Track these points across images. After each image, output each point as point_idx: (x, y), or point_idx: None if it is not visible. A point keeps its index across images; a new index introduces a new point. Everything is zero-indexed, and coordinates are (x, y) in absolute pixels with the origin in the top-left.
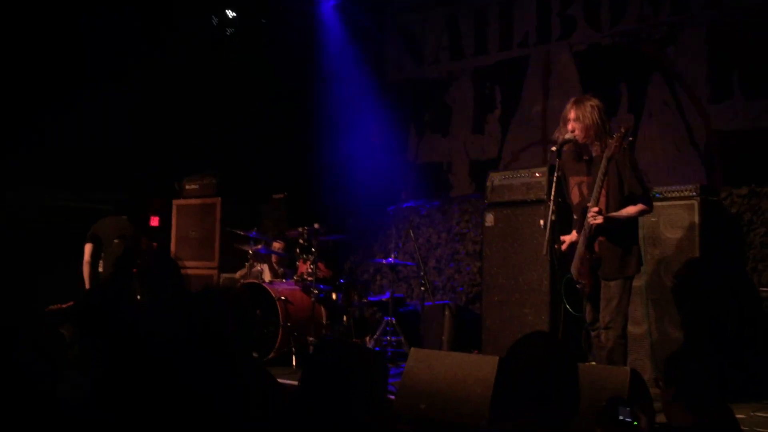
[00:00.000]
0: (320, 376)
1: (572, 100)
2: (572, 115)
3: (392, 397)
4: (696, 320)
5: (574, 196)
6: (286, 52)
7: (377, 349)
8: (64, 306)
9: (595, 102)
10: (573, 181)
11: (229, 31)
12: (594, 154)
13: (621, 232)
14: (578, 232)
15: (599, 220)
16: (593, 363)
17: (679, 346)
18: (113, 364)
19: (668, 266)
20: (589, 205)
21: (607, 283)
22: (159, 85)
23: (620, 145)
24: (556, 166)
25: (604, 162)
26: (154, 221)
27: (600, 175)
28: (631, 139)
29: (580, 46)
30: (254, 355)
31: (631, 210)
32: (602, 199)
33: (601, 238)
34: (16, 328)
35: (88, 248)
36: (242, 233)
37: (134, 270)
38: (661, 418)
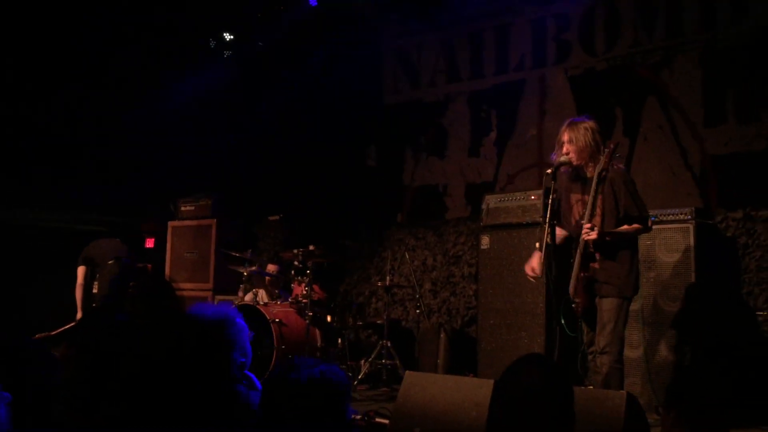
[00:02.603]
0: None
1: (567, 122)
2: (566, 137)
3: (386, 421)
4: (693, 344)
5: (575, 214)
6: (281, 73)
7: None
8: (52, 333)
9: (589, 124)
10: (573, 198)
11: (226, 53)
12: (589, 175)
13: (617, 251)
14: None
15: (593, 235)
16: (590, 387)
17: (677, 370)
18: (102, 381)
19: (664, 289)
20: (582, 222)
21: (601, 305)
22: (154, 105)
23: (608, 161)
24: (552, 189)
25: (595, 179)
26: (149, 243)
27: (592, 192)
28: (618, 155)
29: (575, 70)
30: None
31: (627, 228)
32: (597, 219)
33: (597, 257)
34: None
35: (81, 271)
36: (237, 255)
37: (129, 291)
38: None
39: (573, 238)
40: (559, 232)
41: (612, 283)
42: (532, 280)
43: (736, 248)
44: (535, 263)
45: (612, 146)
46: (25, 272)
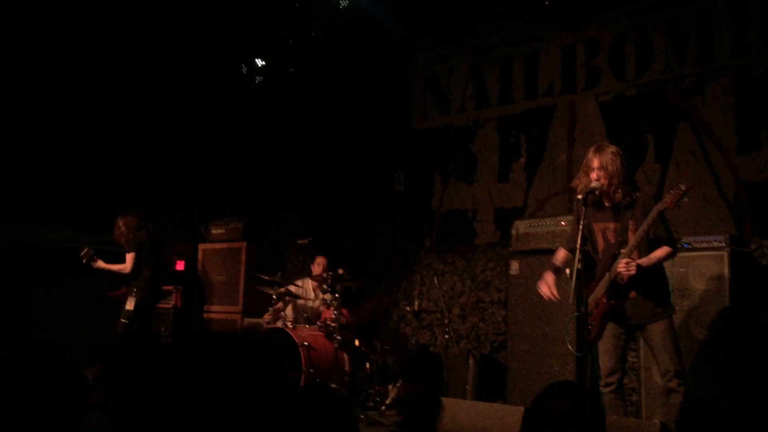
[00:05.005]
0: None
1: (593, 148)
2: (596, 163)
3: None
4: (727, 373)
5: (600, 243)
6: (314, 98)
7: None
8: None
9: (615, 148)
10: (597, 227)
11: (258, 79)
12: (617, 201)
13: (653, 278)
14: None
15: (632, 270)
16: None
17: (708, 400)
18: (138, 404)
19: (698, 318)
20: (623, 251)
21: (650, 333)
22: (184, 128)
23: (677, 202)
24: (582, 215)
25: (653, 213)
26: (180, 265)
27: (645, 226)
28: (687, 199)
29: (605, 96)
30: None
31: (659, 254)
32: (636, 252)
33: (633, 293)
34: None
35: (130, 258)
36: (267, 278)
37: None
38: None
39: (593, 264)
40: (562, 256)
41: (655, 308)
42: (549, 300)
43: None
44: (549, 284)
45: (684, 188)
46: (49, 291)
